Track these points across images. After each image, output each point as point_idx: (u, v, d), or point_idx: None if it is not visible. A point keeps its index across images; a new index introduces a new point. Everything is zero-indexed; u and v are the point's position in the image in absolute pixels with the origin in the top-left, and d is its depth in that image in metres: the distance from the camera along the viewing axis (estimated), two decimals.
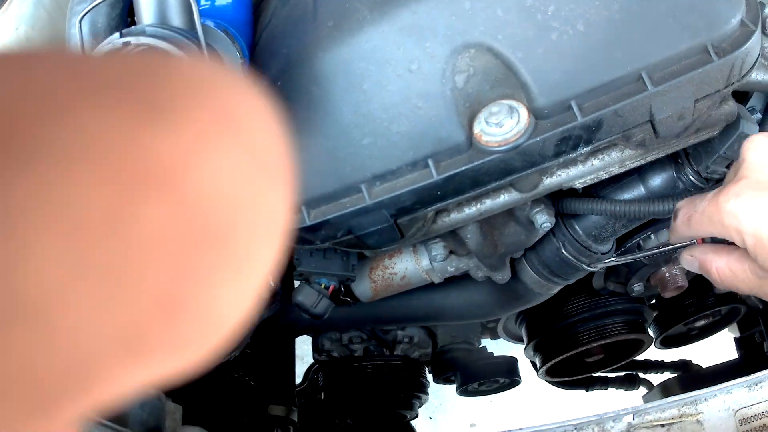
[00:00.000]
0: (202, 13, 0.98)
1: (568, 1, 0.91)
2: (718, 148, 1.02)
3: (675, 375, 1.97)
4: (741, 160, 0.82)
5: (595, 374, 1.83)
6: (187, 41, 0.81)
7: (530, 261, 1.19)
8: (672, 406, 0.99)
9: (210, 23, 0.95)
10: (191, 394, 1.21)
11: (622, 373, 1.94)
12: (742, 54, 0.90)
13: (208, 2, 1.02)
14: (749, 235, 0.77)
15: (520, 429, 0.93)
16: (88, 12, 0.89)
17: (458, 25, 0.92)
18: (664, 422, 0.98)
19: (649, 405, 0.99)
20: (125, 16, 1.00)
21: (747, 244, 0.79)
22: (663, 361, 1.99)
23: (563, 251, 1.15)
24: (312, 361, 1.66)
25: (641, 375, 1.97)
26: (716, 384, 1.00)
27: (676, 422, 0.98)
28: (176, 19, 0.87)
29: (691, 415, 0.98)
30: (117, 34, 0.79)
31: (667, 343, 1.82)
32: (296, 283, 1.19)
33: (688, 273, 1.38)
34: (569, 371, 1.72)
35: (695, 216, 0.86)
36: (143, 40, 0.78)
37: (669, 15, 0.89)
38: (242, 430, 1.35)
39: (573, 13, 0.91)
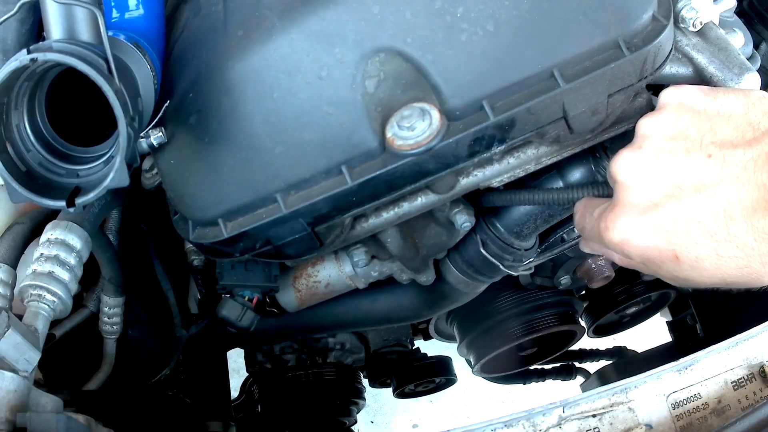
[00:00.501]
0: (113, 26, 0.96)
1: (478, 2, 0.91)
2: None
3: (611, 362, 2.00)
4: (613, 180, 0.82)
5: (531, 367, 1.84)
6: (94, 56, 0.79)
7: (454, 261, 1.19)
8: (602, 396, 0.99)
9: (121, 36, 0.93)
10: (124, 416, 1.19)
11: (558, 364, 1.96)
12: (654, 48, 0.91)
13: (119, 14, 1.00)
14: (637, 256, 0.80)
15: (448, 430, 0.92)
16: None
17: (367, 29, 0.92)
18: (595, 412, 0.98)
19: (579, 396, 0.98)
20: (36, 32, 0.98)
21: (636, 263, 0.82)
22: (598, 349, 2.02)
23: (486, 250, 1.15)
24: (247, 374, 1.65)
25: (577, 364, 2.00)
26: (652, 368, 1.00)
27: (607, 411, 0.98)
28: (85, 33, 0.85)
29: (623, 402, 0.98)
30: (24, 51, 0.77)
31: (599, 331, 1.85)
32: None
33: (614, 263, 1.39)
34: (504, 366, 1.73)
35: (586, 230, 0.89)
36: (50, 56, 0.76)
37: (579, 12, 0.90)
38: None
39: (482, 13, 0.91)
